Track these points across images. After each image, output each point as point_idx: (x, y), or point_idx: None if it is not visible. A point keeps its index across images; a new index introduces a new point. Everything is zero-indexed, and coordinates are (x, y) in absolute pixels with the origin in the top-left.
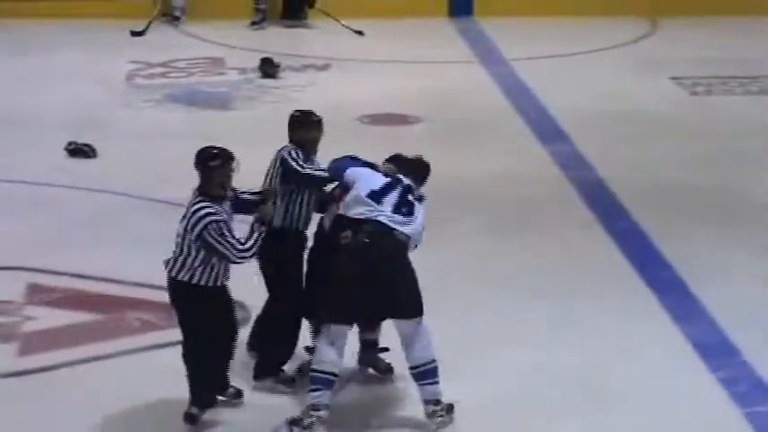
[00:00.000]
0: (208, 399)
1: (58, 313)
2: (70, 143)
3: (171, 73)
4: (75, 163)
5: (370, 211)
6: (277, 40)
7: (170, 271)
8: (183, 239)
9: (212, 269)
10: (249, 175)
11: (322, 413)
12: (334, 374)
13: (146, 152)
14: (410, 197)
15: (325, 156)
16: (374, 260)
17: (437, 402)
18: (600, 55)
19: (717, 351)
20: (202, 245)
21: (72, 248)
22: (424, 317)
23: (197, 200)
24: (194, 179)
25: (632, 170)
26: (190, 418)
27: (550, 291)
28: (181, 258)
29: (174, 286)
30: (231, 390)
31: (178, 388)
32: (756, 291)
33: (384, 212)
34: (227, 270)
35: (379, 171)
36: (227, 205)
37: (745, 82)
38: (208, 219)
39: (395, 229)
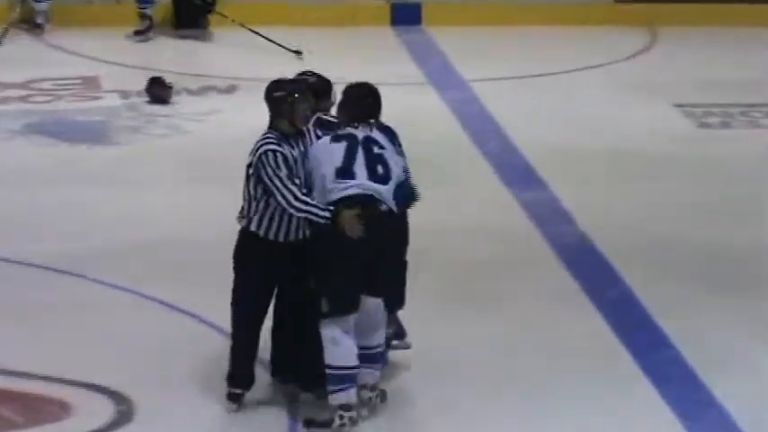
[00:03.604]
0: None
1: None
2: None
3: (33, 96)
4: None
5: (347, 187)
6: (169, 54)
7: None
8: (247, 181)
9: (271, 220)
10: (132, 224)
11: (353, 413)
12: (356, 366)
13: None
14: (375, 149)
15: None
16: (371, 238)
17: (373, 388)
18: (583, 75)
19: None
20: (256, 181)
21: None
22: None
23: (263, 134)
24: (64, 232)
25: (625, 224)
26: (233, 397)
27: (520, 380)
28: (245, 205)
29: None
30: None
31: None
32: None
33: (361, 183)
34: (291, 226)
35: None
36: (302, 144)
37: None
38: (263, 148)
39: (383, 201)
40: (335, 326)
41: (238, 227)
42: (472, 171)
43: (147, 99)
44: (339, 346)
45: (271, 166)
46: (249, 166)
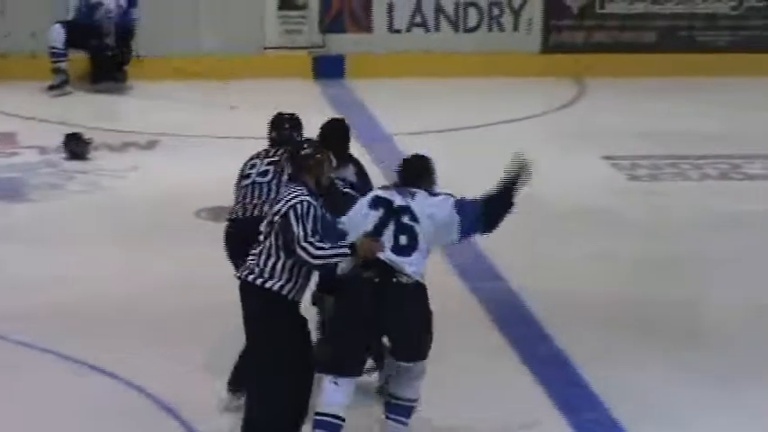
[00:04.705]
0: None
1: None
2: None
3: None
4: None
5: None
6: (87, 109)
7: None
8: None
9: (292, 278)
10: (49, 282)
11: None
12: (341, 418)
13: None
14: (405, 219)
15: None
16: (378, 309)
17: None
18: (509, 127)
19: None
20: (280, 226)
21: None
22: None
23: (292, 186)
24: None
25: (554, 279)
26: None
27: None
28: (262, 260)
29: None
30: None
31: None
32: None
33: (385, 256)
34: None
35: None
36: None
37: (700, 164)
38: (300, 198)
39: (397, 271)
40: (332, 378)
41: (166, 285)
42: None
43: (65, 155)
44: (326, 393)
45: (304, 216)
46: (276, 214)
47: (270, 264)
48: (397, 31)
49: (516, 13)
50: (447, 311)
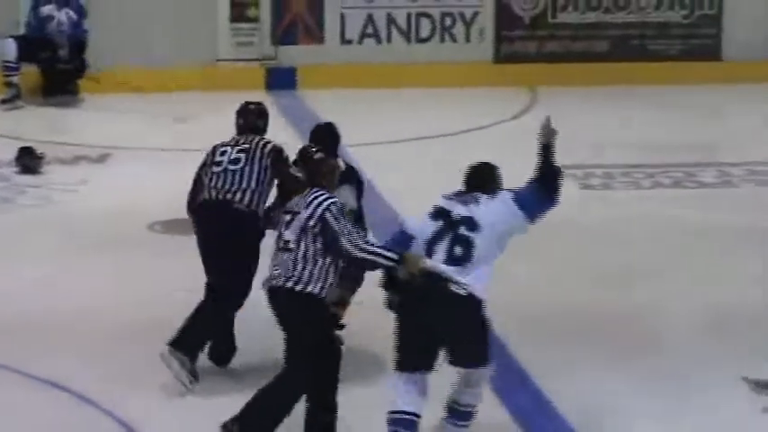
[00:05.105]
0: None
1: None
2: None
3: None
4: None
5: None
6: (39, 123)
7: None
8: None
9: (326, 280)
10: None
11: None
12: (411, 413)
13: None
14: (462, 230)
15: None
16: (428, 317)
17: None
18: (462, 138)
19: None
20: (321, 229)
21: None
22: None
23: (316, 190)
24: None
25: (507, 291)
26: None
27: None
28: (295, 265)
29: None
30: None
31: None
32: None
33: (434, 263)
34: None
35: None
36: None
37: (653, 172)
38: (331, 200)
39: (449, 280)
40: (398, 376)
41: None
42: None
43: (17, 169)
44: (396, 391)
45: (340, 215)
46: (310, 218)
47: (308, 269)
48: (349, 42)
49: (468, 24)
50: None
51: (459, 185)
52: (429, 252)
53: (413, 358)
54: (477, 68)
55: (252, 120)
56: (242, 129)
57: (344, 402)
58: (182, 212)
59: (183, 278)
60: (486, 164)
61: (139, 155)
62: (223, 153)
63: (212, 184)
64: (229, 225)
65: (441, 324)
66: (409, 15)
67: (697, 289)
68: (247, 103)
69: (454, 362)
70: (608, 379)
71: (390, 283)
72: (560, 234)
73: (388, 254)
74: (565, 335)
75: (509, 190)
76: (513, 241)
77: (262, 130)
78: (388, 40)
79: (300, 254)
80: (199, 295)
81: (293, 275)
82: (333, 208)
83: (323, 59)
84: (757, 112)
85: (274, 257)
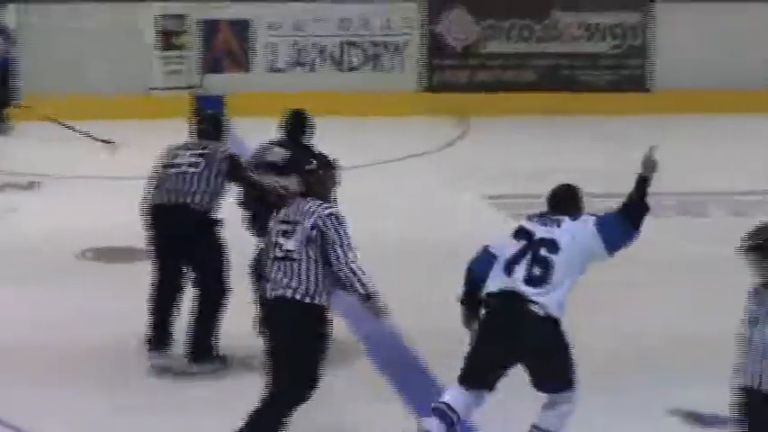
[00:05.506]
0: None
1: None
2: None
3: None
4: None
5: (502, 283)
6: None
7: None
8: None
9: (325, 287)
10: None
11: None
12: (452, 409)
13: None
14: (543, 252)
15: None
16: (505, 336)
17: None
18: (392, 167)
19: None
20: (322, 239)
21: None
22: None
23: (313, 201)
24: None
25: (439, 320)
26: None
27: None
28: (296, 276)
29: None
30: None
31: None
32: None
33: (515, 285)
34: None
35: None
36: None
37: (589, 201)
38: (332, 210)
39: (528, 300)
40: (458, 386)
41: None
42: None
43: None
44: (449, 389)
45: (340, 226)
46: (313, 228)
47: (312, 279)
48: (279, 71)
49: (399, 53)
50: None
51: (391, 214)
52: (508, 271)
53: (479, 375)
54: (408, 97)
55: (208, 127)
56: (200, 134)
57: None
58: (113, 239)
59: (113, 306)
60: (569, 186)
61: (70, 182)
62: (175, 156)
63: (171, 185)
64: (189, 227)
65: (520, 344)
66: (341, 44)
67: (622, 319)
68: (200, 110)
69: (536, 386)
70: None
71: (468, 299)
72: None
73: (364, 285)
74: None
75: (593, 215)
76: (442, 269)
77: (217, 137)
78: (319, 68)
79: (305, 265)
80: (129, 323)
81: (299, 287)
82: (335, 218)
83: (250, 87)
84: (684, 141)
85: (273, 266)
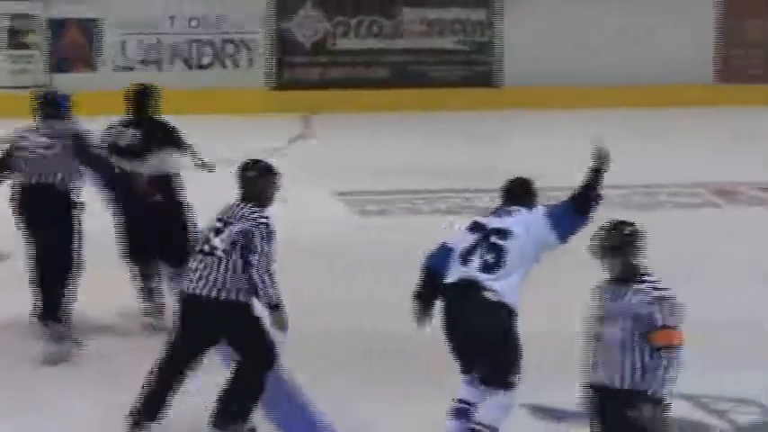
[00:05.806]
0: None
1: None
2: None
3: None
4: None
5: (458, 272)
6: None
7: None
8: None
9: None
10: None
11: None
12: (464, 401)
13: None
14: (494, 239)
15: None
16: (460, 321)
17: None
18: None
19: None
20: (246, 243)
21: None
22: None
23: (252, 205)
24: None
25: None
26: None
27: None
28: (219, 275)
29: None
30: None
31: None
32: None
33: (469, 273)
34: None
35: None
36: None
37: (431, 198)
38: (265, 220)
39: (481, 287)
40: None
41: None
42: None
43: None
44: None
45: (267, 237)
46: (239, 233)
47: (235, 279)
48: (129, 69)
49: (249, 50)
50: None
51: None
52: (464, 261)
53: (464, 363)
54: (257, 95)
55: (51, 109)
56: (45, 116)
57: None
58: None
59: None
60: (522, 179)
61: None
62: (24, 138)
63: (28, 168)
64: (54, 206)
65: (469, 326)
66: (191, 42)
67: None
68: (45, 92)
69: (480, 378)
70: (391, 410)
71: (423, 295)
72: (336, 261)
73: (270, 296)
74: (350, 364)
75: (544, 205)
76: (290, 266)
77: (63, 116)
78: (170, 66)
79: (230, 264)
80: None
81: (221, 285)
82: (262, 228)
83: (98, 86)
84: (531, 137)
85: (197, 259)
